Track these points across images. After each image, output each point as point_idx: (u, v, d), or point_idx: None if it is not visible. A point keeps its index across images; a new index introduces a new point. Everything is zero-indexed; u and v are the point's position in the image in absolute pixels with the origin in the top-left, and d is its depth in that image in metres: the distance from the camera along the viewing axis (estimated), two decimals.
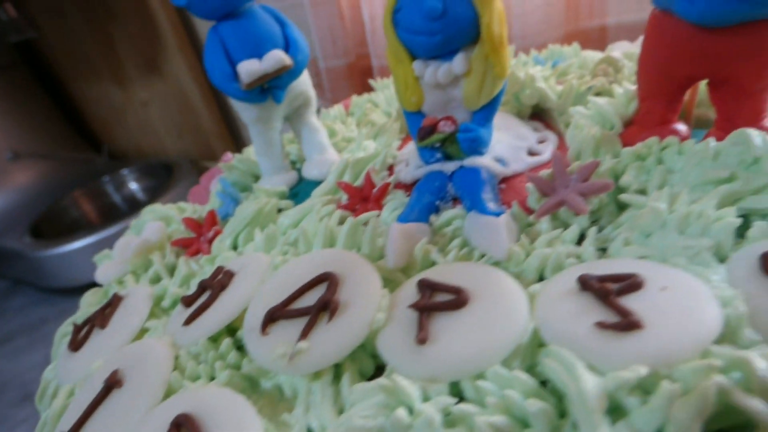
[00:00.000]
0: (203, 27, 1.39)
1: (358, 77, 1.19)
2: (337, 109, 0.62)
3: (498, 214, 0.33)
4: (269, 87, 0.44)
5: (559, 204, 0.33)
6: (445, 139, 0.39)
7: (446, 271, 0.30)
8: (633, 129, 0.40)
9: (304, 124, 0.50)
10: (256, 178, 0.52)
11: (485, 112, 0.40)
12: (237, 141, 1.50)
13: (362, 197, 0.42)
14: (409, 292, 0.29)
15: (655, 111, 0.38)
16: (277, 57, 0.42)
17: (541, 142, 0.44)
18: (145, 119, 1.57)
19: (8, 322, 1.32)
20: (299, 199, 0.48)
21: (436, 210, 0.38)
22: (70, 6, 1.43)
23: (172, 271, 0.43)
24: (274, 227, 0.39)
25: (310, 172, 0.49)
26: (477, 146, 0.38)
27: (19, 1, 1.47)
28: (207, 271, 0.40)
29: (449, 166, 0.39)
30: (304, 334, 0.27)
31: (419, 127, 0.40)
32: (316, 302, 0.28)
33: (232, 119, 1.46)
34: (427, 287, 0.28)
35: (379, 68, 1.12)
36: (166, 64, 1.40)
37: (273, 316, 0.29)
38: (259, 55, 0.44)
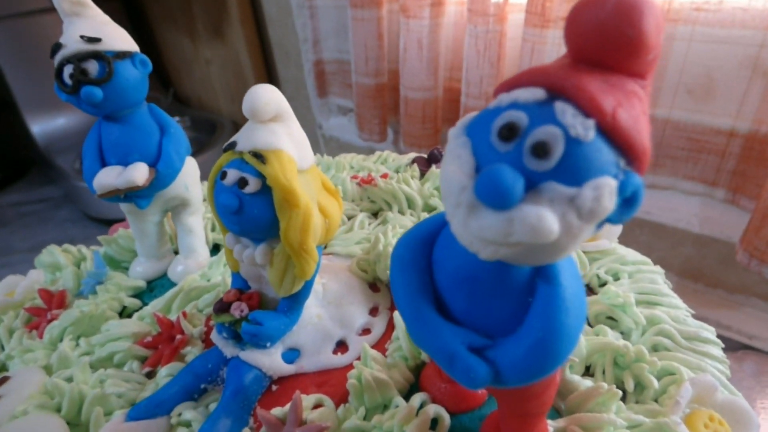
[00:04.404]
0: (268, 5, 1.39)
1: (387, 98, 1.15)
2: None
3: None
4: (129, 195, 0.44)
5: None
6: (236, 322, 0.37)
7: None
8: (432, 367, 0.36)
9: (178, 223, 0.50)
10: (136, 254, 0.53)
11: (290, 302, 0.38)
12: None
13: (170, 336, 0.42)
14: None
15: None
16: (129, 176, 0.42)
17: (365, 330, 0.41)
18: (207, 76, 1.63)
19: (47, 233, 1.49)
20: (153, 294, 0.49)
21: (201, 393, 0.37)
22: None
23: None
24: (66, 351, 0.40)
25: (173, 271, 0.50)
26: (258, 341, 0.37)
27: None
28: (17, 363, 0.42)
29: (228, 351, 0.38)
30: None
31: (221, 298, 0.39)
32: None
33: None
34: None
35: (405, 98, 1.07)
36: (229, 31, 1.43)
37: None
38: (125, 162, 0.44)
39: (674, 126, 0.83)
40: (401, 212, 0.55)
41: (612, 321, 0.41)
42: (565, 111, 0.19)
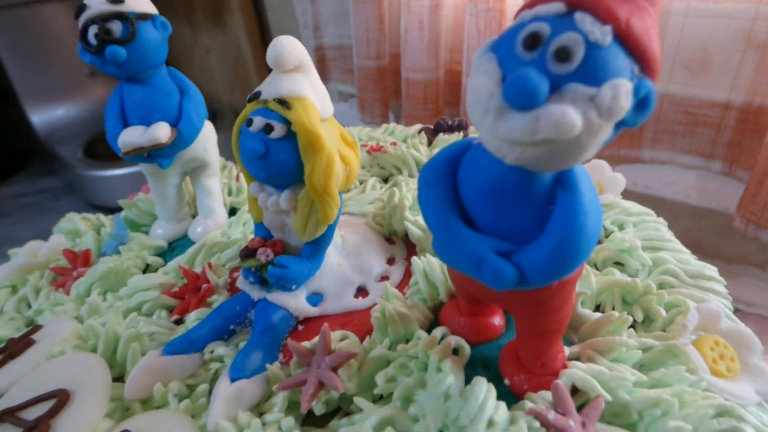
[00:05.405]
0: None
1: (388, 81, 1.17)
2: None
3: (236, 379, 0.33)
4: (152, 154, 0.46)
5: (300, 383, 0.33)
6: (261, 267, 0.39)
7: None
8: (450, 305, 0.38)
9: (198, 185, 0.51)
10: (155, 218, 0.55)
11: (313, 247, 0.40)
12: None
13: (195, 287, 0.43)
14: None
15: (462, 303, 0.36)
16: (153, 134, 0.44)
17: (383, 278, 0.43)
18: (206, 65, 1.64)
19: (48, 222, 1.50)
20: (174, 254, 0.50)
21: (231, 334, 0.39)
22: None
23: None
24: (97, 301, 0.42)
25: (193, 231, 0.51)
26: (284, 283, 0.38)
27: None
28: (46, 316, 0.44)
29: (255, 294, 0.39)
30: None
31: (246, 245, 0.40)
32: (32, 420, 0.31)
33: None
34: None
35: (406, 79, 1.09)
36: (228, 19, 1.44)
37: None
38: (148, 122, 0.46)
39: (671, 100, 0.85)
40: (411, 176, 0.57)
41: (619, 266, 0.43)
42: (584, 19, 0.20)
